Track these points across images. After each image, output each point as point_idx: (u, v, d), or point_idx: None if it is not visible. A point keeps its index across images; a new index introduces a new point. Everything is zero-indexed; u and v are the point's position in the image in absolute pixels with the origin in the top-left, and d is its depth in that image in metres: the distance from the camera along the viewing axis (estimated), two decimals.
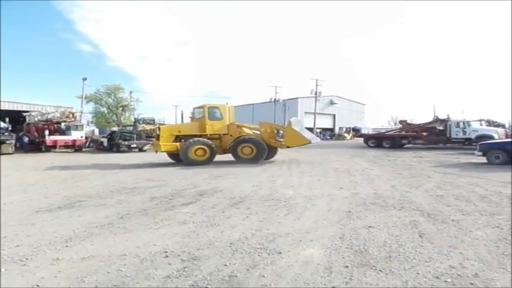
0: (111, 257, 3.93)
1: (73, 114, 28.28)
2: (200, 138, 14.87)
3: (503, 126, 31.82)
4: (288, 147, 15.75)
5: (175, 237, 4.65)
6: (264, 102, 63.27)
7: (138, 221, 5.50)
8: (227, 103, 16.08)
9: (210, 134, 15.33)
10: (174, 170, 12.88)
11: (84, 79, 37.76)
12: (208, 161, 14.55)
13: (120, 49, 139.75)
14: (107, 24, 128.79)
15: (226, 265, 3.67)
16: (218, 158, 15.21)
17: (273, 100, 59.43)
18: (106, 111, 48.00)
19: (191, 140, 14.71)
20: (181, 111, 26.16)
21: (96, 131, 37.81)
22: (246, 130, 16.00)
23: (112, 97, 47.54)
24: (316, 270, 3.52)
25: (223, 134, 15.44)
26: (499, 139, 20.56)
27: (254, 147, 14.84)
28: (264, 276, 3.39)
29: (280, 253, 4.01)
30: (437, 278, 3.32)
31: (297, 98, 60.28)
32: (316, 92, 53.60)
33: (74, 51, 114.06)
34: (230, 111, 16.03)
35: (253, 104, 70.94)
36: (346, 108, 66.09)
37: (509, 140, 17.69)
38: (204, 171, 11.95)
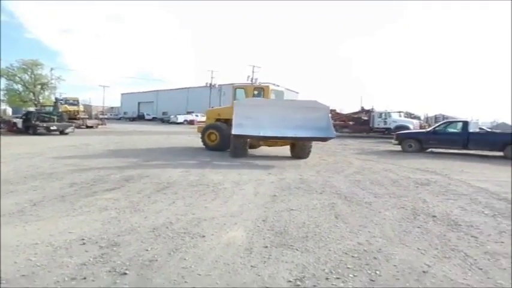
0: (20, 246, 3.64)
1: None
2: (216, 123, 13.92)
3: (418, 118, 35.14)
4: None
5: (94, 223, 4.45)
6: (200, 87, 62.24)
7: (53, 208, 5.14)
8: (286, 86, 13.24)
9: None
10: (99, 154, 12.19)
11: None
12: (219, 147, 13.29)
13: (40, 20, 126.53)
14: None
15: (147, 250, 3.61)
16: None
17: (208, 85, 58.76)
18: (21, 89, 43.38)
19: (208, 124, 14.19)
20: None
21: (9, 111, 34.00)
22: None
23: (29, 73, 43.06)
24: (237, 251, 3.64)
25: None
26: (414, 129, 22.79)
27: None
28: (185, 259, 3.41)
29: (204, 236, 4.06)
30: (345, 253, 3.64)
31: (233, 83, 60.15)
32: (252, 79, 54.03)
33: None
34: (262, 92, 13.50)
35: (188, 87, 69.42)
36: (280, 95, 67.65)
37: (421, 130, 19.76)
38: (132, 157, 11.50)
